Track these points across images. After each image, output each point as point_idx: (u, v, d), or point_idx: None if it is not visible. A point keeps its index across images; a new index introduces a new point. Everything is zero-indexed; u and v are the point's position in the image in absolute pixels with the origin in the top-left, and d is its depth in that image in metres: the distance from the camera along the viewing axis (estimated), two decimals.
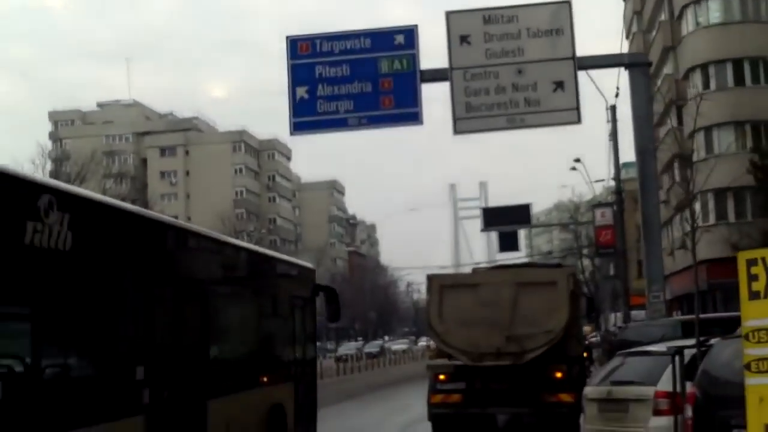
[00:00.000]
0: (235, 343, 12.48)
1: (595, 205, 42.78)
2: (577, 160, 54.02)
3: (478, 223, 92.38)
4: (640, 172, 22.66)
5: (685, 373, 10.57)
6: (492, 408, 16.97)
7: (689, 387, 9.65)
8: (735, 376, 7.83)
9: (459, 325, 16.84)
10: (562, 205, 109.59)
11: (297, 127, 23.50)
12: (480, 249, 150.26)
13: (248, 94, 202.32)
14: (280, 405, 13.26)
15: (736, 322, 15.37)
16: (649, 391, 10.90)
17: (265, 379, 12.91)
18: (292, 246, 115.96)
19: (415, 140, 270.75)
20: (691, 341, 10.73)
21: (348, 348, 75.11)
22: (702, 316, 17.99)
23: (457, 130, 22.90)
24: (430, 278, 17.57)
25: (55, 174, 55.58)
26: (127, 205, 11.45)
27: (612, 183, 39.65)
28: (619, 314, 40.06)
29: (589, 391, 12.08)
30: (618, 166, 36.34)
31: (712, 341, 10.18)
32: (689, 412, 8.38)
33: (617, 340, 19.32)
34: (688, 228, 46.41)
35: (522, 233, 68.68)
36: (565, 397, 16.49)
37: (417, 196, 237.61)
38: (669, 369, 10.78)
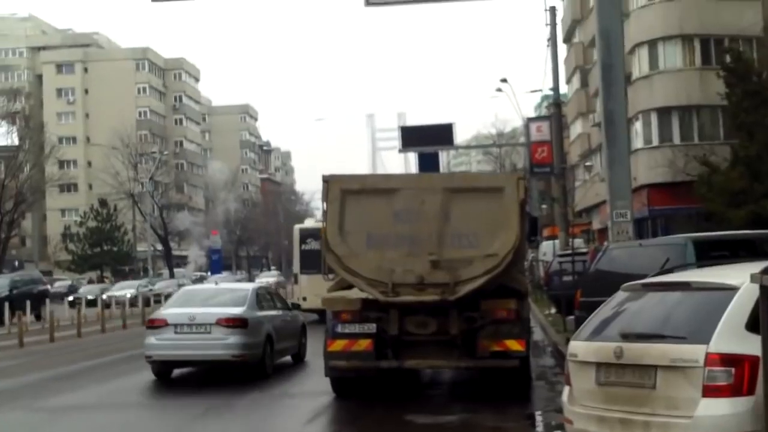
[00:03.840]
0: None
1: (531, 118, 38.26)
2: (504, 80, 49.68)
3: (396, 154, 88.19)
4: (602, 59, 18.00)
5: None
6: (412, 360, 12.13)
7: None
8: None
9: (367, 245, 12.01)
10: (481, 137, 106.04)
11: None
12: None
13: (154, 11, 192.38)
14: None
15: (752, 242, 10.95)
16: (695, 351, 6.12)
17: None
18: (200, 170, 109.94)
19: (335, 69, 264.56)
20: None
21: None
22: (709, 234, 13.45)
23: (370, 1, 17.84)
24: (328, 180, 12.45)
25: None
26: None
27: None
28: (553, 242, 35.64)
29: (580, 349, 7.00)
30: (556, 74, 31.81)
31: None
32: None
33: (592, 272, 13.99)
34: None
35: (441, 160, 64.19)
36: (514, 345, 11.85)
37: (335, 125, 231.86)
38: (729, 314, 6.17)
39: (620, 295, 7.24)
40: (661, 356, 6.26)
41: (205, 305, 15.66)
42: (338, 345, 12.13)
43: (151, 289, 50.82)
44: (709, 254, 10.87)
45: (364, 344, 11.99)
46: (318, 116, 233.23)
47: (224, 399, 12.95)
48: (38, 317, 32.57)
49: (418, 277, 11.74)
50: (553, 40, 32.59)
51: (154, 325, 15.31)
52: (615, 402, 6.46)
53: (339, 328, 12.15)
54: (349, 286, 12.52)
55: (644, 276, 7.90)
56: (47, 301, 37.18)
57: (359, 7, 20.77)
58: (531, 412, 11.28)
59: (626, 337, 6.57)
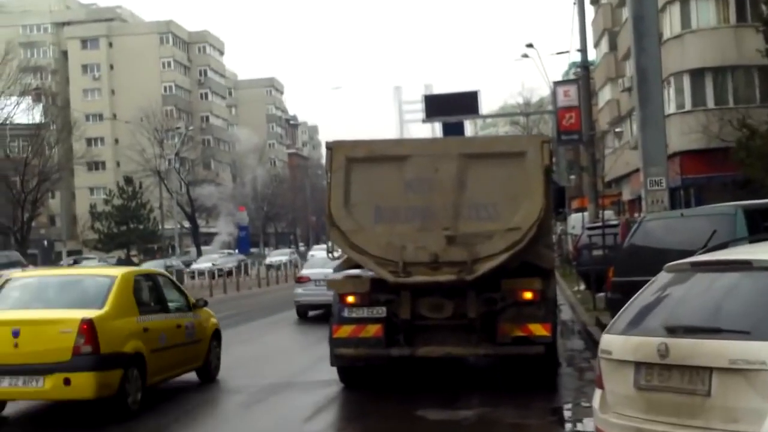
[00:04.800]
0: None
1: (558, 82, 36.64)
2: (530, 45, 48.16)
3: (423, 125, 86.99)
4: (633, 10, 16.48)
5: None
6: (426, 347, 10.94)
7: None
8: None
9: (375, 219, 10.85)
10: (507, 107, 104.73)
11: None
12: None
13: None
14: None
15: None
16: (760, 350, 4.81)
17: None
18: (227, 146, 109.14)
19: (361, 41, 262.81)
20: None
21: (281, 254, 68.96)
22: (760, 202, 12.07)
23: None
24: (332, 147, 11.26)
25: None
26: None
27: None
28: (582, 214, 34.13)
29: (616, 344, 5.63)
30: (584, 34, 30.28)
31: None
32: None
33: (626, 247, 12.42)
34: None
35: (467, 129, 62.62)
36: (539, 329, 10.62)
37: (362, 98, 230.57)
38: None
39: (663, 277, 5.81)
40: (718, 355, 4.94)
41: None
42: (345, 331, 11.01)
43: None
44: (761, 225, 9.54)
45: (372, 330, 10.87)
46: (336, 85, 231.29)
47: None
48: None
49: (432, 254, 10.58)
50: (580, 0, 31.04)
51: (301, 280, 22.64)
52: (658, 411, 5.16)
53: (345, 313, 11.05)
54: (357, 266, 11.39)
55: (686, 252, 6.58)
56: None
57: None
58: (557, 406, 10.11)
59: (672, 330, 5.22)
